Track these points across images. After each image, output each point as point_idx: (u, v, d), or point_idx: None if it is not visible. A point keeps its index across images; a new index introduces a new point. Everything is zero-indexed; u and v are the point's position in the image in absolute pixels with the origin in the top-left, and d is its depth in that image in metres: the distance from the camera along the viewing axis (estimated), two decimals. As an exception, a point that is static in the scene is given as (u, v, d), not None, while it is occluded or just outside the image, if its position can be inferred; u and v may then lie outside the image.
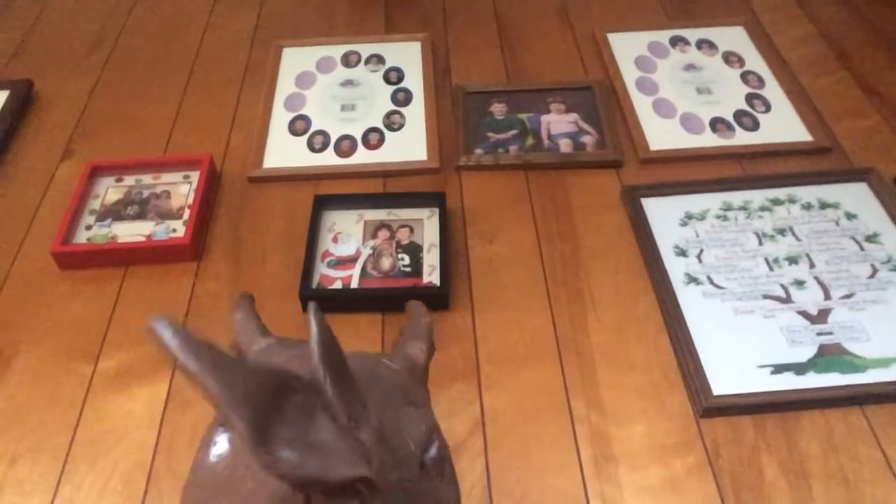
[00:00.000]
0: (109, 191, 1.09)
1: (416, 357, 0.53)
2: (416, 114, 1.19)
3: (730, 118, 1.15)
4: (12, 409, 0.85)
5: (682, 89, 1.20)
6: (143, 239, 1.02)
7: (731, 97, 1.18)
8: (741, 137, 1.12)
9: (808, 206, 1.02)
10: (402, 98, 1.23)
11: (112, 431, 0.83)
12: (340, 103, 1.23)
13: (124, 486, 0.78)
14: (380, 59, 1.30)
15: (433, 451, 0.46)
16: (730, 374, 0.84)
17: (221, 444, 0.45)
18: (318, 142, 1.16)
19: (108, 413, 0.85)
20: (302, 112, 1.21)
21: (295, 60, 1.30)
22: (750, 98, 1.18)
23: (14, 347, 0.91)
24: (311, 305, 0.43)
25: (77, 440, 0.82)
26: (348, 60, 1.30)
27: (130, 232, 1.03)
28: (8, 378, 0.88)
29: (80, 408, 0.85)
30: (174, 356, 0.37)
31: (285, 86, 1.26)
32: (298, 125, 1.19)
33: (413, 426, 0.47)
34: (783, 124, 1.14)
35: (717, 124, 1.14)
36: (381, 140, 1.16)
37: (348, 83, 1.26)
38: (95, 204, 1.07)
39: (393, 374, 0.51)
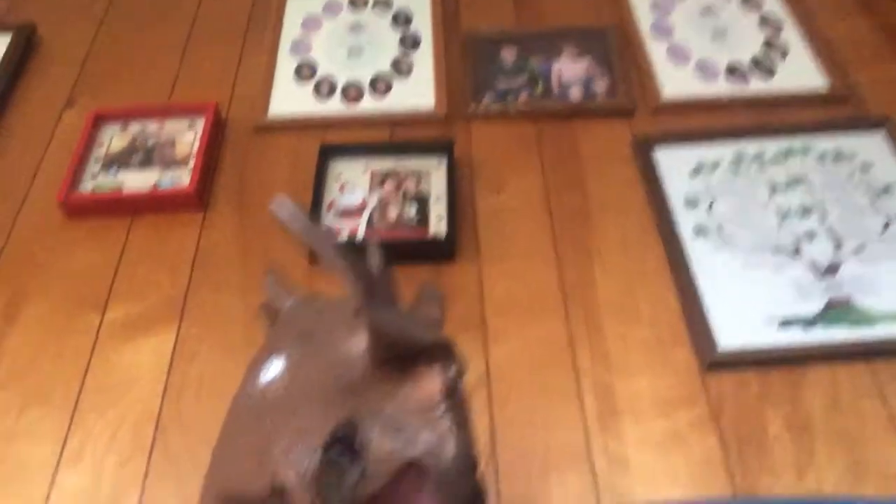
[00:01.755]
0: (114, 138, 1.08)
1: (433, 313, 0.54)
2: (424, 59, 1.17)
3: (745, 65, 1.12)
4: (21, 358, 0.86)
5: (698, 34, 1.17)
6: (148, 188, 1.01)
7: (747, 43, 1.15)
8: (756, 85, 1.09)
9: (822, 157, 1.00)
10: (409, 43, 1.20)
11: (120, 381, 0.84)
12: (347, 48, 1.20)
13: (133, 435, 0.80)
14: (387, 3, 1.26)
15: (461, 384, 0.47)
16: (736, 328, 0.84)
17: (274, 369, 0.47)
18: (325, 88, 1.14)
19: (115, 363, 0.86)
20: (308, 57, 1.19)
21: (300, 4, 1.27)
22: (766, 44, 1.15)
23: (22, 297, 0.92)
24: (372, 244, 0.51)
25: (86, 390, 0.83)
26: (355, 3, 1.27)
27: (136, 180, 1.03)
28: (16, 327, 0.89)
29: (87, 358, 0.86)
30: (298, 232, 0.44)
31: (291, 30, 1.23)
32: (305, 71, 1.17)
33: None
34: (800, 71, 1.11)
35: (732, 71, 1.11)
36: (389, 86, 1.14)
37: (355, 27, 1.23)
38: (101, 152, 1.06)
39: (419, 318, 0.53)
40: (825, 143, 1.01)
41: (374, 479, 0.40)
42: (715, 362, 0.82)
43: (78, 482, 0.77)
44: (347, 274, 0.43)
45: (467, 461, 0.41)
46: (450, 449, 0.41)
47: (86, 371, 0.85)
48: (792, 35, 1.16)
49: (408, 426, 0.41)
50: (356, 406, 0.43)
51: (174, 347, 0.86)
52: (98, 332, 0.88)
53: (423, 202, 0.98)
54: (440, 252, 0.94)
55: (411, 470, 0.40)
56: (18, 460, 0.78)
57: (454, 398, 0.43)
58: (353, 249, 0.45)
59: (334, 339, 0.48)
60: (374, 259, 0.52)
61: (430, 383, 0.42)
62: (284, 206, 0.44)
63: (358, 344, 0.47)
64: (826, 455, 0.75)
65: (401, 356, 0.43)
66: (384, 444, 0.40)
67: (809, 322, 0.84)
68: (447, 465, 0.41)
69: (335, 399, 0.44)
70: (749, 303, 0.86)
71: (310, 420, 0.44)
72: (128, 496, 0.75)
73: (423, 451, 0.40)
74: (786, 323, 0.84)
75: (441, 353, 0.43)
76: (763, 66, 1.12)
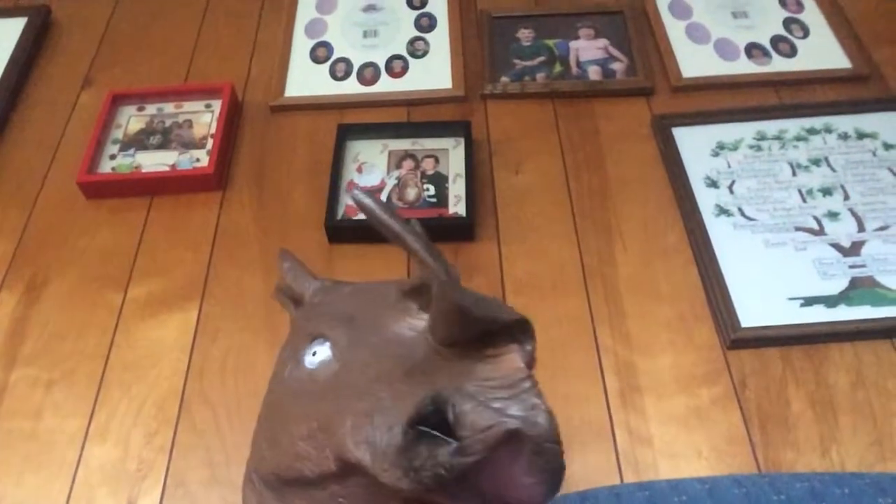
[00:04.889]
0: (132, 120, 1.08)
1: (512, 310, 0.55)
2: (440, 40, 1.16)
3: (766, 44, 1.11)
4: (46, 335, 0.87)
5: (717, 13, 1.16)
6: (167, 168, 1.02)
7: (768, 21, 1.14)
8: (777, 64, 1.08)
9: (844, 136, 0.99)
10: (425, 24, 1.19)
11: (144, 358, 0.84)
12: (363, 29, 1.20)
13: (158, 409, 0.80)
14: (402, -17, 1.26)
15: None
16: (759, 307, 0.83)
17: (321, 353, 0.47)
18: (341, 70, 1.14)
19: (139, 340, 0.86)
20: (323, 39, 1.18)
21: (315, -16, 1.27)
22: (788, 22, 1.14)
23: (45, 275, 0.92)
24: (415, 223, 0.51)
25: (110, 366, 0.84)
26: (370, -16, 1.26)
27: (154, 161, 1.03)
28: (40, 305, 0.90)
29: (111, 335, 0.87)
30: (379, 221, 0.44)
31: (306, 11, 1.23)
32: (320, 52, 1.17)
33: None
34: (821, 50, 1.10)
35: (752, 50, 1.10)
36: (405, 68, 1.13)
37: (370, 8, 1.22)
38: (118, 133, 1.07)
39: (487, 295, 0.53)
40: (847, 122, 1.00)
41: (472, 453, 0.40)
42: (737, 340, 0.81)
43: (105, 456, 0.77)
44: (428, 254, 0.43)
45: (557, 431, 0.41)
46: (543, 419, 0.41)
47: (110, 348, 0.85)
48: (814, 14, 1.15)
49: (493, 401, 0.41)
50: (433, 384, 0.42)
51: (196, 324, 0.87)
52: (121, 309, 0.89)
53: (440, 182, 0.98)
54: (460, 232, 0.94)
55: (508, 442, 0.41)
56: (46, 436, 0.79)
57: (533, 373, 0.43)
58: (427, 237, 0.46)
59: (383, 323, 0.47)
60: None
61: (511, 360, 0.42)
62: (366, 199, 0.46)
63: (412, 325, 0.46)
64: (849, 432, 0.75)
65: (474, 335, 0.43)
66: (480, 419, 0.40)
67: (833, 301, 0.84)
68: (543, 433, 0.41)
69: (403, 379, 0.44)
70: (771, 281, 0.86)
71: (377, 401, 0.43)
72: (154, 469, 0.76)
73: (520, 422, 0.40)
74: (809, 301, 0.84)
75: (520, 330, 0.43)
76: (784, 45, 1.11)
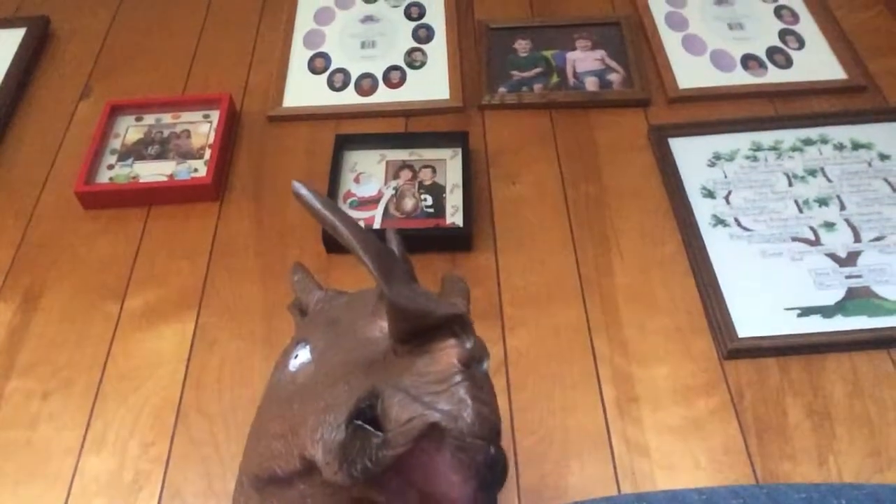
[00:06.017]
0: (130, 130, 1.09)
1: (459, 306, 0.54)
2: (438, 51, 1.17)
3: (762, 55, 1.12)
4: (42, 346, 0.87)
5: (713, 25, 1.16)
6: (165, 179, 1.02)
7: (763, 33, 1.15)
8: (773, 75, 1.09)
9: (840, 147, 1.00)
10: (423, 35, 1.20)
11: (141, 368, 0.84)
12: (360, 40, 1.20)
13: (154, 420, 0.80)
14: (400, -6, 1.27)
15: (485, 366, 0.48)
16: (756, 317, 0.84)
17: (302, 356, 0.49)
18: (339, 80, 1.14)
19: (136, 351, 0.86)
20: (321, 49, 1.19)
21: (314, -4, 1.28)
22: (783, 34, 1.14)
23: (41, 285, 0.92)
24: (391, 231, 0.54)
25: (107, 377, 0.84)
26: (368, -4, 1.27)
27: (152, 171, 1.03)
28: (37, 315, 0.89)
29: (108, 345, 0.86)
30: (316, 212, 0.44)
31: (304, 22, 1.23)
32: (318, 63, 1.17)
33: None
34: (817, 62, 1.10)
35: (748, 61, 1.11)
36: (403, 78, 1.14)
37: (368, 19, 1.23)
38: (116, 143, 1.07)
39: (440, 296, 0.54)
40: (843, 133, 1.01)
41: (395, 445, 0.41)
42: (734, 350, 0.81)
43: (101, 467, 0.77)
44: (364, 252, 0.43)
45: (485, 427, 0.42)
46: (467, 414, 0.41)
47: (106, 358, 0.85)
48: (809, 25, 1.15)
49: (425, 395, 0.42)
50: (376, 380, 0.44)
51: (194, 334, 0.87)
52: (118, 319, 0.88)
53: (438, 193, 0.99)
54: (457, 242, 0.94)
55: (431, 435, 0.41)
56: (42, 446, 0.79)
57: (472, 369, 0.44)
58: (372, 234, 0.46)
59: (359, 325, 0.49)
60: (394, 245, 0.53)
61: (447, 355, 0.43)
62: (303, 189, 0.46)
63: (382, 326, 0.47)
64: (846, 442, 0.75)
65: (420, 331, 0.43)
66: (403, 412, 0.41)
67: (829, 311, 0.84)
68: (465, 429, 0.41)
69: (358, 377, 0.45)
70: (768, 292, 0.86)
71: (334, 398, 0.44)
72: (150, 480, 0.76)
73: (441, 416, 0.41)
74: (805, 312, 0.84)
75: (457, 325, 0.44)
76: (780, 56, 1.11)
